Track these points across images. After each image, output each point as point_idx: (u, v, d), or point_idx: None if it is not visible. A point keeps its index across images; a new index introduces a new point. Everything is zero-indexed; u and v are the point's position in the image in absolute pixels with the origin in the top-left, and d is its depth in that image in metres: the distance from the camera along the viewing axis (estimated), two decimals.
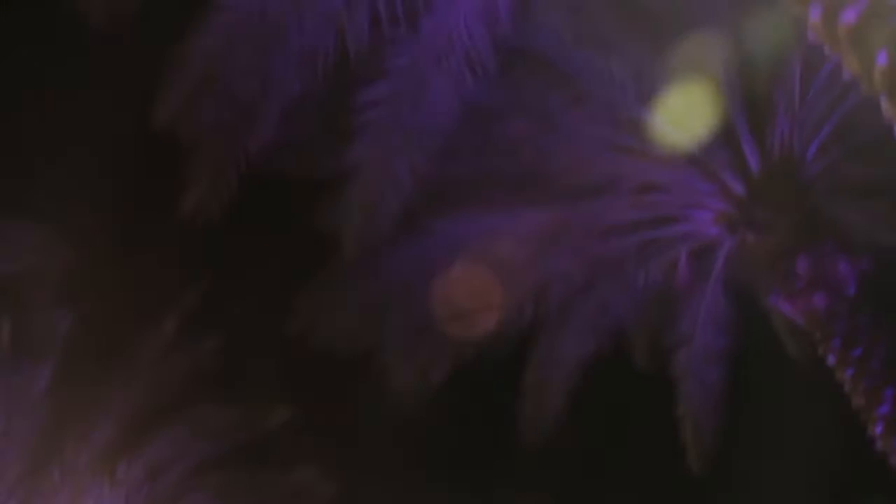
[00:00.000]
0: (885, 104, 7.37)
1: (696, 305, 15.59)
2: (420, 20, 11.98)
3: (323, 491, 17.82)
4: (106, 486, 17.33)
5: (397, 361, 15.21)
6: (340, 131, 12.90)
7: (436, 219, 14.32)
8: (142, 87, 12.55)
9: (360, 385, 16.16)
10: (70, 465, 17.33)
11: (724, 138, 13.78)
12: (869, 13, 7.29)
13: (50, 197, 16.27)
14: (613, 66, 13.30)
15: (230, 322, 16.96)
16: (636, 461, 19.35)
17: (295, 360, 15.94)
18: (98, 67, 14.79)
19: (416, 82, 12.38)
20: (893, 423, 13.10)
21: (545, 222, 14.36)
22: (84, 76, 15.41)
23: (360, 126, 12.80)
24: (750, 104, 13.71)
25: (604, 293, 15.36)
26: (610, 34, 12.92)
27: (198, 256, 15.83)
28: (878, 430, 13.18)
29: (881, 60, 7.21)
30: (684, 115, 13.68)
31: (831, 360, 13.52)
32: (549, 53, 13.10)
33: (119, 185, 15.54)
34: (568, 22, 12.69)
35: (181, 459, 17.67)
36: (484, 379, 16.20)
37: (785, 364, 16.21)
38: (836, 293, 13.49)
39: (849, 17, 7.37)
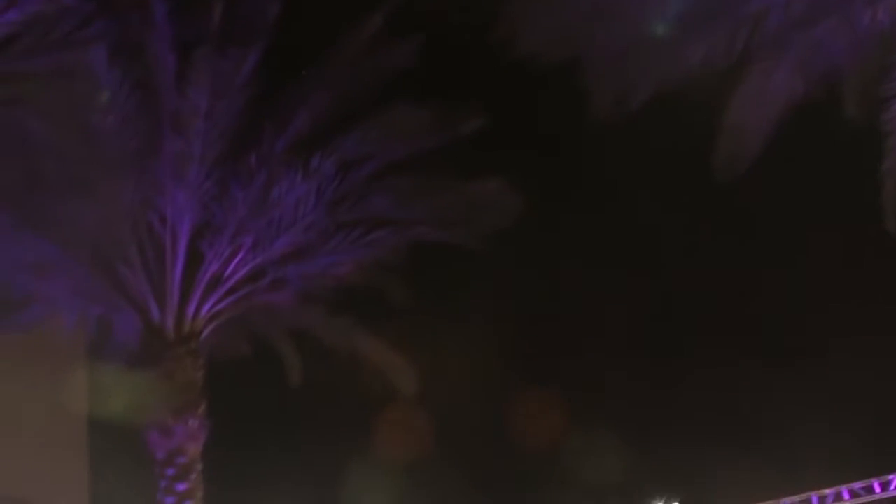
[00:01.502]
0: None
1: None
2: None
3: (508, 203, 17.79)
4: (299, 175, 17.71)
5: (598, 81, 14.74)
6: None
7: None
8: None
9: (557, 100, 15.90)
10: (266, 152, 17.73)
11: None
12: None
13: None
14: None
15: (433, 23, 16.73)
16: (829, 215, 18.83)
17: (494, 67, 15.67)
18: None
19: None
20: None
21: None
22: None
23: None
24: None
25: (823, 30, 14.49)
26: None
27: None
28: None
29: None
30: None
31: None
32: None
33: None
34: None
35: (371, 158, 17.83)
36: (684, 111, 15.69)
37: None
38: None
39: None
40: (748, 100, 15.37)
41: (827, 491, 25.59)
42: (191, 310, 18.30)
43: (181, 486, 17.97)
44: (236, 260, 18.23)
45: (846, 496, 23.13)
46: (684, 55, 14.67)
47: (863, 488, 22.90)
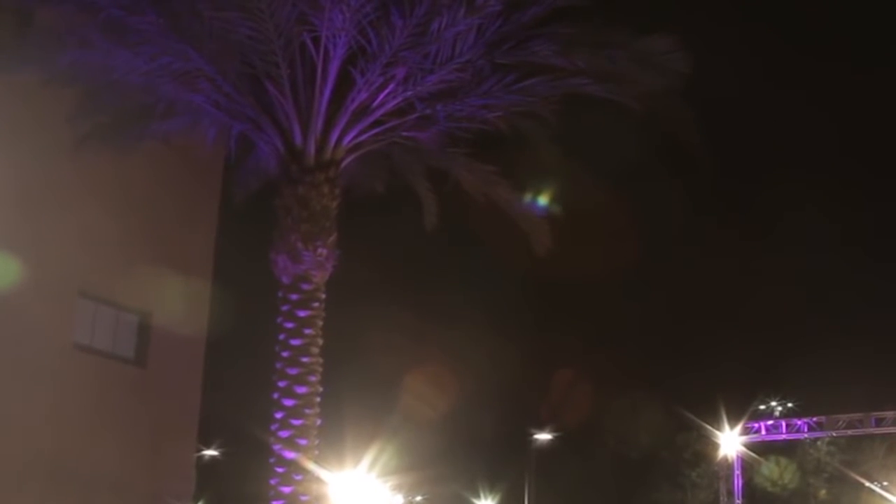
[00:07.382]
0: None
1: None
2: None
3: (676, 63, 16.75)
4: (462, 10, 16.66)
5: None
6: None
7: None
8: None
9: None
10: None
11: None
12: None
13: None
14: None
15: None
16: None
17: None
18: None
19: None
20: None
21: None
22: None
23: None
24: None
25: None
26: None
27: None
28: None
29: None
30: None
31: None
32: None
33: None
34: None
35: (538, 2, 16.97)
36: None
37: None
38: None
39: None
40: None
41: None
42: (334, 137, 17.92)
43: (303, 313, 17.77)
44: (386, 91, 17.71)
45: None
46: None
47: None
